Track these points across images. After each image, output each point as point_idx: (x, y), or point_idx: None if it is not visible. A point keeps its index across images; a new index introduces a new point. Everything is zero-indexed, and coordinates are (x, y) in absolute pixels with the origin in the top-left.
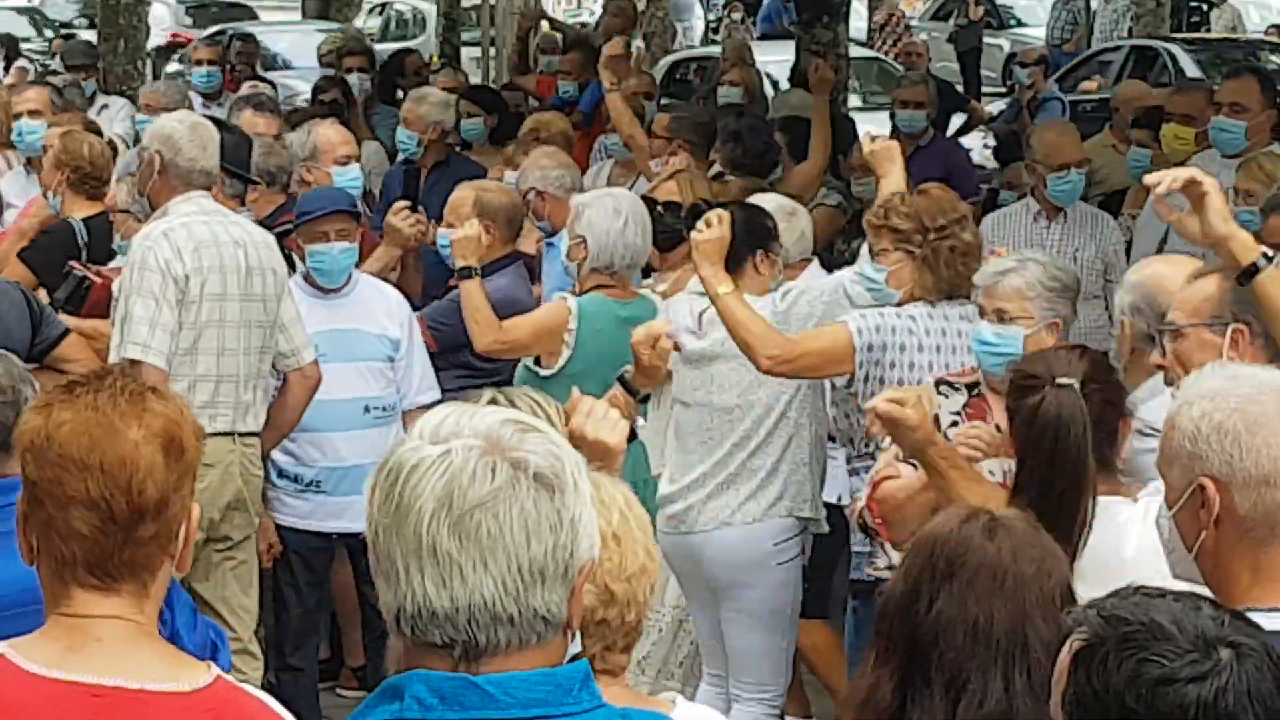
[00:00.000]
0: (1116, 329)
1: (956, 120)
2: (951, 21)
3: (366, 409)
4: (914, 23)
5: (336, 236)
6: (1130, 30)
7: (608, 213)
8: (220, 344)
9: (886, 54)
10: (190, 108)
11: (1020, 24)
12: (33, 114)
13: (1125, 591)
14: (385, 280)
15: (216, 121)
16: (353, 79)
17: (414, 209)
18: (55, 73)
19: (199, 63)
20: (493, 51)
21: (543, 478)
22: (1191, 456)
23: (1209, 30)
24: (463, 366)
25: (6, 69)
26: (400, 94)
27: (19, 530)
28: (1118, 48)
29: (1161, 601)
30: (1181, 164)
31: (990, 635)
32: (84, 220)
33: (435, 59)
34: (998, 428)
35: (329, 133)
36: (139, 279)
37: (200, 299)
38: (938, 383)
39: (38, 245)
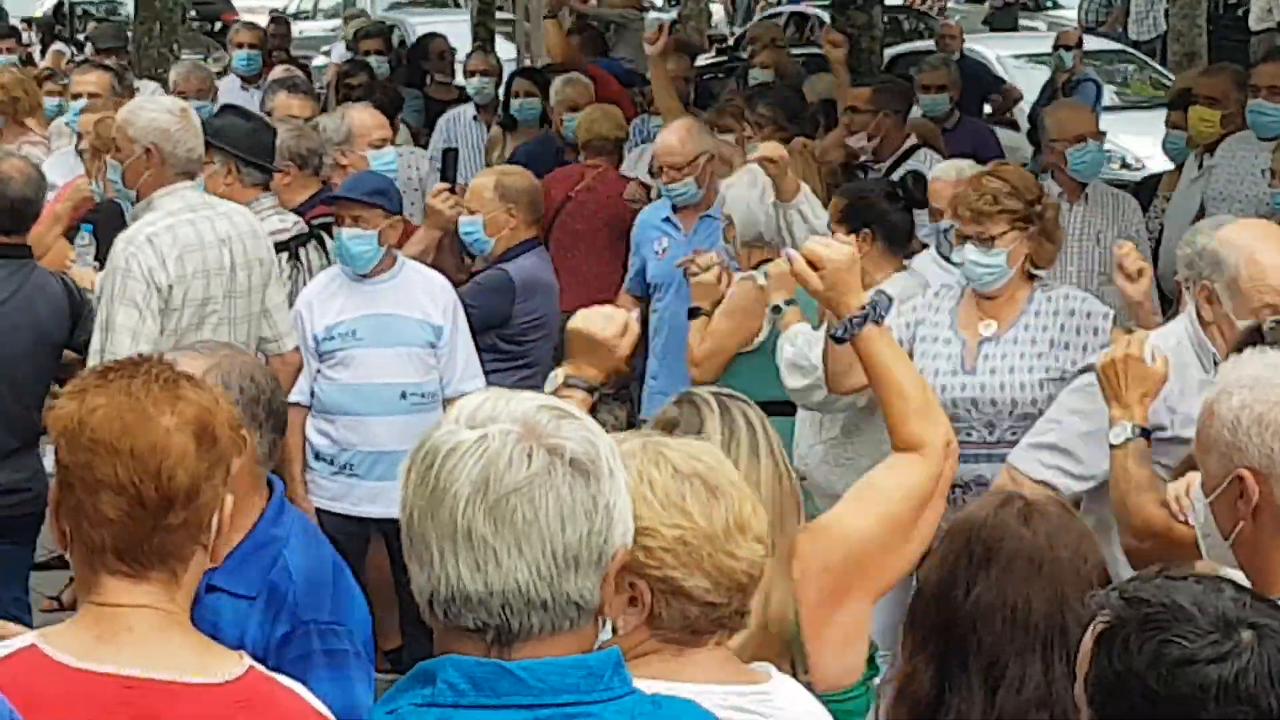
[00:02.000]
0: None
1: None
2: (987, 4)
3: (404, 395)
4: (950, 5)
5: (350, 222)
6: (1166, 12)
7: (744, 185)
8: None
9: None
10: (215, 92)
11: (1056, 5)
12: (92, 96)
13: (1147, 574)
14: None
15: (239, 111)
16: (370, 62)
17: (453, 191)
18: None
19: (240, 45)
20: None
21: (579, 464)
22: (1230, 447)
23: (1246, 12)
24: (489, 350)
25: (43, 52)
26: (427, 78)
27: (51, 516)
28: (779, 13)
29: (1184, 584)
30: (1211, 147)
31: (1029, 621)
32: None
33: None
34: None
35: (363, 116)
36: (122, 285)
37: (182, 306)
38: None
39: (89, 223)
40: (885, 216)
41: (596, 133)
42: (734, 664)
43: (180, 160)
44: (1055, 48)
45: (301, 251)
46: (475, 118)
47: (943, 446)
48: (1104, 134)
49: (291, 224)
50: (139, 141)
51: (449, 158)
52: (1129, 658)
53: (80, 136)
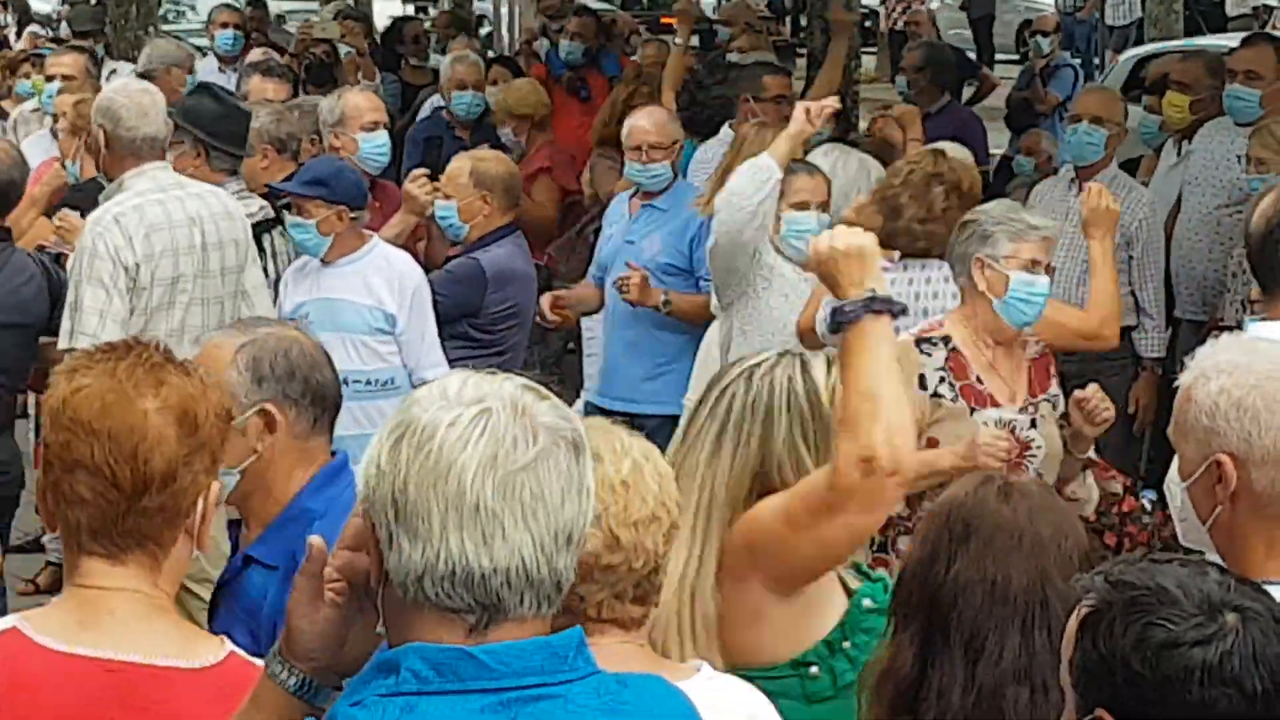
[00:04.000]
0: None
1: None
2: None
3: (345, 381)
4: None
5: (295, 210)
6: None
7: (853, 172)
8: (172, 324)
9: (896, 22)
10: (191, 69)
11: None
12: (66, 79)
13: (1132, 558)
14: (409, 248)
15: (212, 93)
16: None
17: (433, 177)
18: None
19: (224, 25)
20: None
21: (575, 444)
22: (1208, 431)
23: None
24: (462, 337)
25: (19, 34)
26: (402, 61)
27: (39, 498)
28: None
29: (1168, 567)
30: (1187, 132)
31: (1009, 594)
32: None
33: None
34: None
35: (357, 99)
36: (89, 266)
37: (151, 285)
38: (916, 341)
39: (67, 206)
40: None
41: (506, 107)
42: (646, 659)
43: (124, 141)
44: (1032, 34)
45: (266, 237)
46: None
47: (856, 462)
48: (1114, 122)
49: (257, 209)
50: (95, 122)
51: (431, 144)
52: (1114, 641)
53: (56, 118)
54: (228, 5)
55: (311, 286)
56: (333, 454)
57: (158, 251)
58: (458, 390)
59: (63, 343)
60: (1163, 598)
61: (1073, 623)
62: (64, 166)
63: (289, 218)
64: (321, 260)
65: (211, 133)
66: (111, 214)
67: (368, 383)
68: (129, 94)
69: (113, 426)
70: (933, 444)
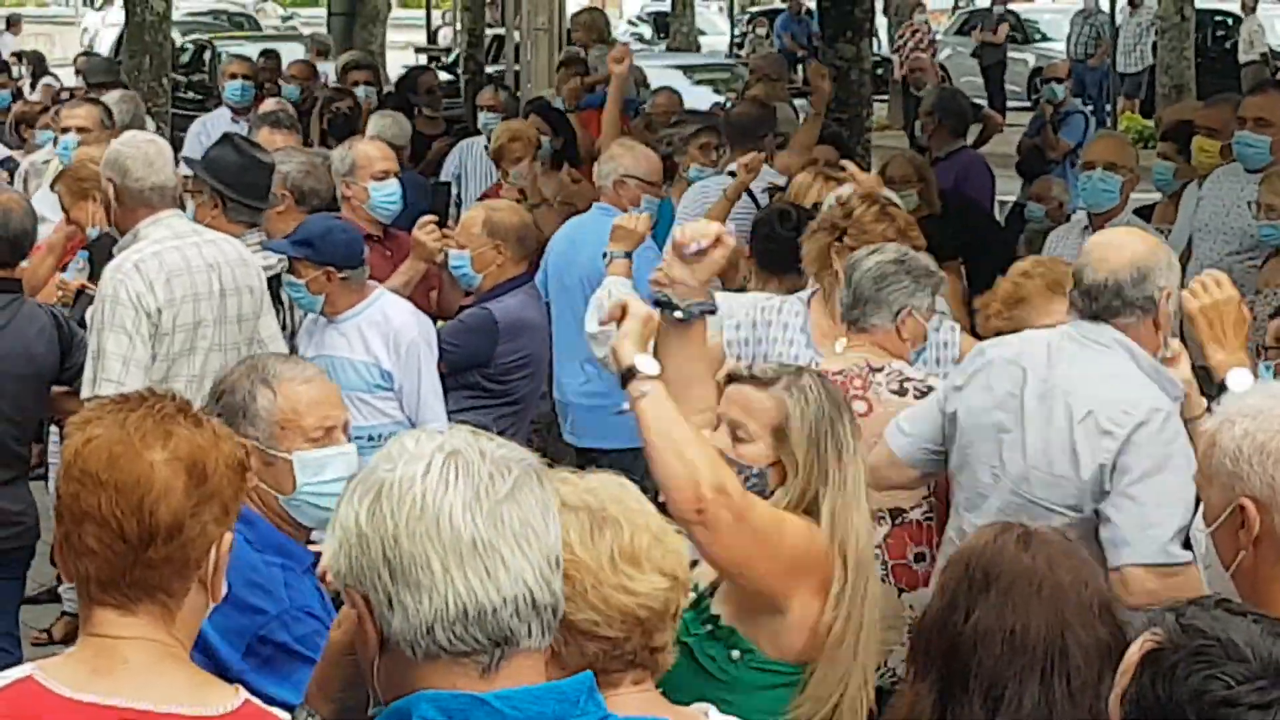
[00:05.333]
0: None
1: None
2: (974, 37)
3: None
4: (939, 37)
5: (289, 269)
6: (1155, 45)
7: None
8: (193, 370)
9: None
10: (142, 125)
11: (1045, 39)
12: (81, 131)
13: (1208, 603)
14: (422, 297)
15: (234, 145)
16: (359, 91)
17: (441, 224)
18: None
19: (233, 76)
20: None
21: (537, 472)
22: (1232, 476)
23: (1234, 45)
24: (473, 388)
25: (34, 85)
26: (415, 110)
27: (57, 548)
28: None
29: (1242, 621)
30: (1204, 177)
31: (1028, 643)
32: None
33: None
34: None
35: (368, 149)
36: (111, 313)
37: (173, 330)
38: None
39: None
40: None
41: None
42: (661, 705)
43: (133, 192)
44: (1044, 81)
45: (283, 290)
46: (487, 148)
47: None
48: (1128, 170)
49: (275, 260)
50: (104, 176)
51: (440, 191)
52: (1173, 685)
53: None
54: (239, 56)
55: (317, 343)
56: None
57: (179, 297)
58: (415, 445)
59: (86, 391)
60: (1231, 652)
61: (1134, 654)
62: (85, 234)
63: (285, 275)
64: (325, 315)
65: (229, 184)
66: (131, 261)
67: (370, 438)
68: (135, 145)
69: (119, 478)
70: None
